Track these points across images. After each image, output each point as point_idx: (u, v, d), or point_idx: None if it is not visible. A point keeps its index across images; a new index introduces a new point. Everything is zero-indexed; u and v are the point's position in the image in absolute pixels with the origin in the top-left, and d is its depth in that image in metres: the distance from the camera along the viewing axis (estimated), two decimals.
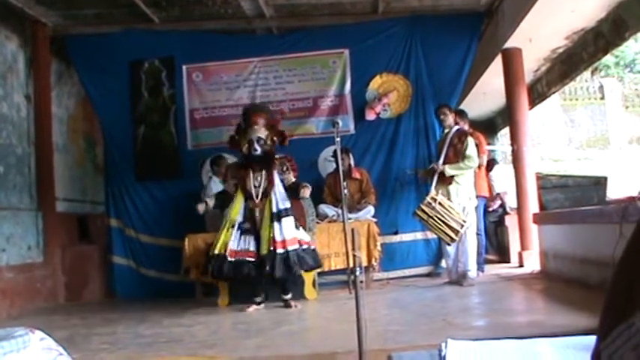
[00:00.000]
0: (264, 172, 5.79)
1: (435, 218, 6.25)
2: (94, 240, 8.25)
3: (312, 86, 7.93)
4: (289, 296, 5.84)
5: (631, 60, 18.38)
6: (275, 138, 5.88)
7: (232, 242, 5.67)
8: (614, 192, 9.90)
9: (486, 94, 9.77)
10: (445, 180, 6.49)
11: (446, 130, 6.78)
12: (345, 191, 3.81)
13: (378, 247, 6.82)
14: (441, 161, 6.54)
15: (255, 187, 5.75)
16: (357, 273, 3.07)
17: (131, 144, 8.03)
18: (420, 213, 6.36)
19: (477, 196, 6.89)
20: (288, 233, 5.66)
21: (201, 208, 6.09)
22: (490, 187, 8.28)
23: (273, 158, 5.91)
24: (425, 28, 7.80)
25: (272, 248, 5.58)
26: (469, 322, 4.52)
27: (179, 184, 7.82)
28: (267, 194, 5.74)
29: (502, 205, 9.22)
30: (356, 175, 7.32)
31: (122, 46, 7.89)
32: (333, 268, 6.73)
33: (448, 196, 6.43)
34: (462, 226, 6.27)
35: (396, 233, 7.54)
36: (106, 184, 8.25)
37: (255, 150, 5.74)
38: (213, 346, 4.02)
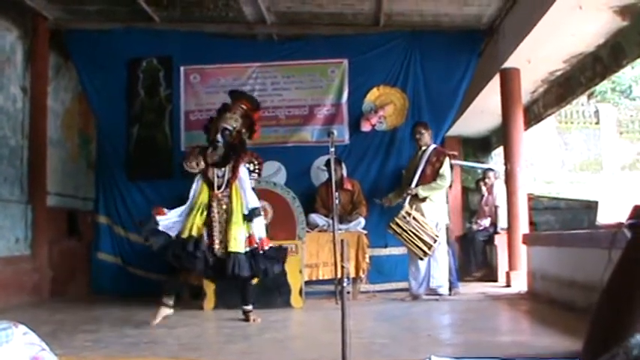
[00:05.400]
0: (227, 166, 5.24)
1: (409, 232, 6.36)
2: (83, 236, 8.20)
3: (309, 94, 7.92)
4: (250, 307, 5.29)
5: (627, 86, 18.48)
6: (244, 130, 5.35)
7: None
8: (605, 217, 9.95)
9: (483, 112, 9.80)
10: (419, 198, 6.58)
11: (423, 149, 6.81)
12: (337, 202, 3.80)
13: (367, 259, 6.84)
14: (414, 181, 6.60)
15: (217, 177, 5.23)
16: (345, 284, 3.07)
17: (125, 142, 8.00)
18: (394, 226, 6.44)
19: None
20: (261, 232, 5.20)
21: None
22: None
23: (240, 150, 5.32)
24: (425, 44, 7.82)
25: (252, 246, 5.10)
26: (453, 338, 4.52)
27: (171, 184, 7.75)
28: (229, 185, 5.20)
29: (493, 224, 9.25)
30: (348, 186, 7.32)
31: (121, 43, 7.87)
32: (320, 277, 6.73)
33: (421, 213, 6.50)
34: (435, 240, 6.37)
35: (385, 246, 7.54)
36: (96, 181, 8.22)
37: (218, 142, 5.21)
38: (197, 349, 4.01)
